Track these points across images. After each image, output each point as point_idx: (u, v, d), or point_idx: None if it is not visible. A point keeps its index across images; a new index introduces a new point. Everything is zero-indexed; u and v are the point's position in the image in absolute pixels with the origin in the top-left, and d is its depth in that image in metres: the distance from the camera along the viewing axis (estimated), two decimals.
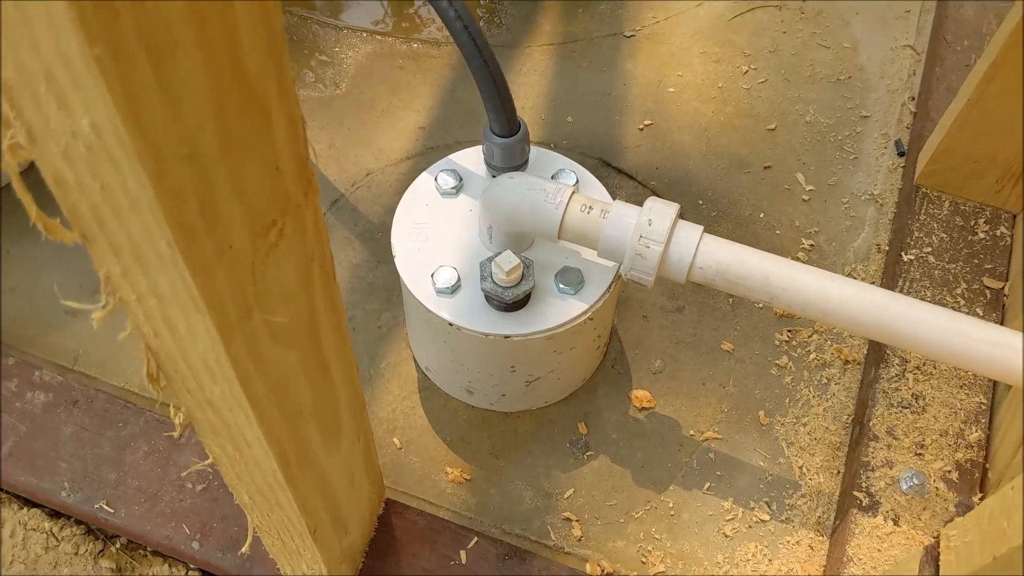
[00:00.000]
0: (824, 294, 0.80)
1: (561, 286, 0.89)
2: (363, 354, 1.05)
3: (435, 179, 0.96)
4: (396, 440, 1.00)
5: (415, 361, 1.05)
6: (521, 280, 0.86)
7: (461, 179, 0.96)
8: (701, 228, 0.82)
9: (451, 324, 0.88)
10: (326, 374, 0.61)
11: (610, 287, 0.90)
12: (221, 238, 0.40)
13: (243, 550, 0.82)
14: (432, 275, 0.89)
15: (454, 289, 0.89)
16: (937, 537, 0.75)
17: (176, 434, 0.57)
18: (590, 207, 0.84)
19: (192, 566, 0.96)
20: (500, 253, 0.86)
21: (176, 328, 0.44)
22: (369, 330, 1.07)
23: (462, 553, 0.89)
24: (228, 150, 0.38)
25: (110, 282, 0.42)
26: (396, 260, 0.91)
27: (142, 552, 1.01)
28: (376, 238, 1.14)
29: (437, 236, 0.93)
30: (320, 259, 0.54)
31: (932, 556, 0.68)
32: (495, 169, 0.93)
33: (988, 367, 0.77)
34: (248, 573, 0.88)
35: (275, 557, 0.77)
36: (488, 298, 0.88)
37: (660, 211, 0.81)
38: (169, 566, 1.01)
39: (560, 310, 0.89)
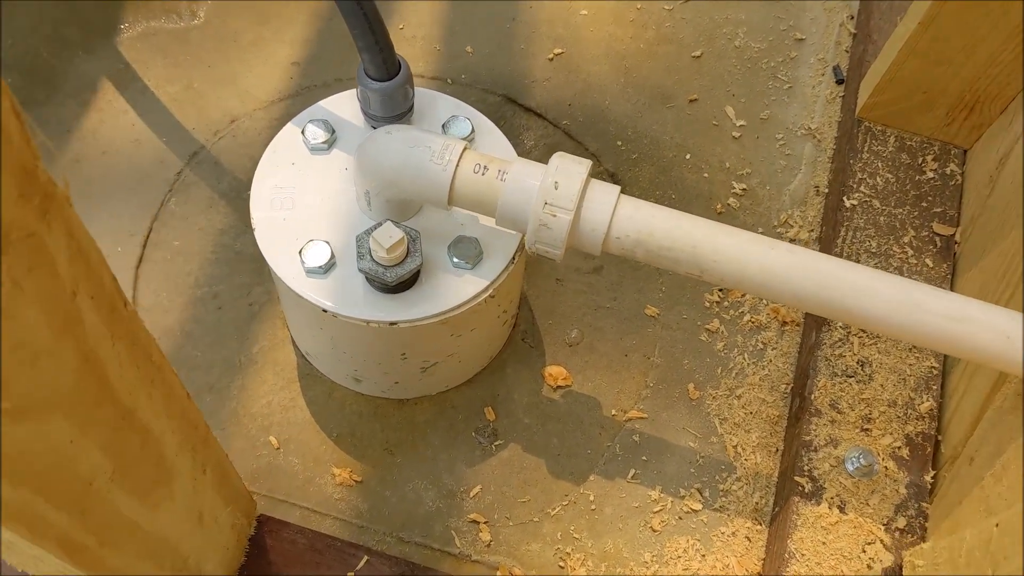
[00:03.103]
0: (762, 264, 0.67)
1: (456, 260, 0.75)
2: (231, 337, 0.90)
3: (302, 132, 0.80)
4: (273, 439, 0.86)
5: (293, 344, 0.90)
6: (406, 257, 0.72)
7: (334, 131, 0.80)
8: (617, 189, 0.69)
9: (325, 311, 0.73)
10: (130, 422, 0.46)
11: (513, 258, 0.76)
12: None
13: None
14: (300, 252, 0.74)
15: (327, 268, 0.74)
16: (899, 558, 0.65)
17: None
18: (485, 167, 0.69)
19: None
20: (380, 225, 0.71)
21: None
22: (238, 308, 0.92)
23: None
24: None
25: None
26: (256, 233, 0.76)
27: None
28: (244, 197, 0.98)
29: (306, 203, 0.77)
30: (93, 286, 0.39)
31: None
32: (373, 119, 0.78)
33: (960, 349, 0.66)
34: None
35: None
36: (368, 278, 0.73)
37: (568, 171, 0.68)
38: None
39: (455, 289, 0.75)
